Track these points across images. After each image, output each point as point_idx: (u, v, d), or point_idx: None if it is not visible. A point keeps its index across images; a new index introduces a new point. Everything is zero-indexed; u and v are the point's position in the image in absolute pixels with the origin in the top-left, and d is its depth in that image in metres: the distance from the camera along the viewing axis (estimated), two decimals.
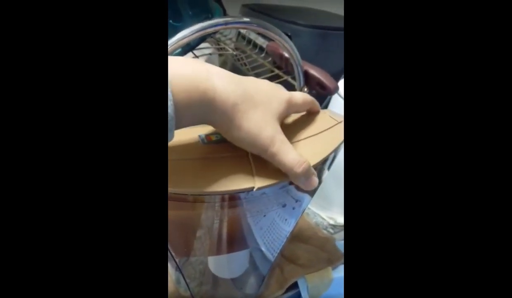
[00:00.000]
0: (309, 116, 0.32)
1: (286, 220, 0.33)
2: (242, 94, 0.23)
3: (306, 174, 0.25)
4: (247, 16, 0.37)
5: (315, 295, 0.43)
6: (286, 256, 0.46)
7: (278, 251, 0.36)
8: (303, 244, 0.49)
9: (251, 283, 0.42)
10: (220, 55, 0.76)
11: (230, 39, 0.69)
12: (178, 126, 0.21)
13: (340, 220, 0.56)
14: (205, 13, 0.51)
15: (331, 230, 0.54)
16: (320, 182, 0.27)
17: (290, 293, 0.43)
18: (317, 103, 0.32)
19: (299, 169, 0.24)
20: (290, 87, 0.46)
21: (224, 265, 0.40)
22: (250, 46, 0.63)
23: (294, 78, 0.45)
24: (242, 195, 0.25)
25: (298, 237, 0.50)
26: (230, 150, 0.26)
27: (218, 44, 0.65)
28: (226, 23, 0.36)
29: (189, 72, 0.22)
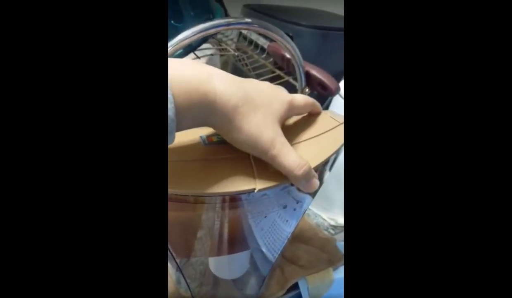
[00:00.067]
0: (310, 117, 0.32)
1: (287, 221, 0.33)
2: (243, 96, 0.23)
3: (307, 176, 0.25)
4: (248, 16, 0.37)
5: (316, 296, 0.43)
6: (287, 257, 0.46)
7: (279, 252, 0.36)
8: (304, 244, 0.49)
9: (252, 283, 0.42)
10: (221, 55, 0.76)
11: (232, 39, 0.69)
12: (178, 129, 0.21)
13: (341, 221, 0.55)
14: (207, 14, 0.51)
15: (332, 231, 0.54)
16: (321, 183, 0.27)
17: (290, 294, 0.43)
18: (318, 105, 0.32)
19: (299, 172, 0.24)
20: (291, 88, 0.46)
21: (225, 266, 0.40)
22: (252, 47, 0.63)
23: (295, 79, 0.45)
24: (243, 196, 0.25)
25: (299, 237, 0.50)
26: (231, 151, 0.26)
27: (220, 45, 0.65)
28: (228, 24, 0.35)
29: (189, 74, 0.22)
